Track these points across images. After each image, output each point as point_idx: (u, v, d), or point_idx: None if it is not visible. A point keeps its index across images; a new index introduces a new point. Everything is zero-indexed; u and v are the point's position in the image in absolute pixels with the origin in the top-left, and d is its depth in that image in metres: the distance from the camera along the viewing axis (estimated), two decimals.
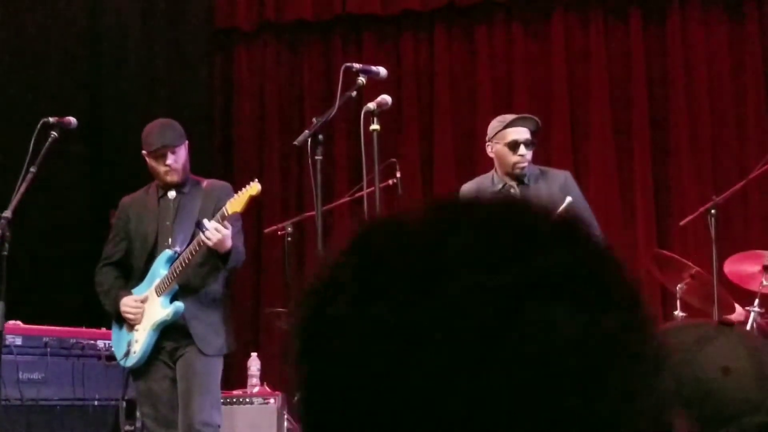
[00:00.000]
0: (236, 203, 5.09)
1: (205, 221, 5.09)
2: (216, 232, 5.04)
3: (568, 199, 5.28)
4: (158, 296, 5.24)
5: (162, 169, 5.33)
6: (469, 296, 0.79)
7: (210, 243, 5.07)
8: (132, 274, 5.43)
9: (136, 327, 5.30)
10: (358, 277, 0.84)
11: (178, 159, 5.33)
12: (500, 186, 5.42)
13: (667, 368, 0.86)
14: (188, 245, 5.21)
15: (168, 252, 5.28)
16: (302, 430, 0.88)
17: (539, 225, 0.85)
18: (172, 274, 5.20)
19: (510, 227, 0.84)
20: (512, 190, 5.41)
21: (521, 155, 5.33)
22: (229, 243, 5.12)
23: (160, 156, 5.31)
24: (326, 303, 0.84)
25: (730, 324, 1.53)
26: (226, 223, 5.10)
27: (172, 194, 5.40)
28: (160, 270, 5.28)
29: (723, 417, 1.37)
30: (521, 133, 5.36)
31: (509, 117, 5.47)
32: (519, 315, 0.78)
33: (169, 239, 5.32)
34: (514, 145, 5.34)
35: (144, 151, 5.37)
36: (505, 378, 0.78)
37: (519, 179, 5.42)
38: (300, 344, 0.86)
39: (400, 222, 0.87)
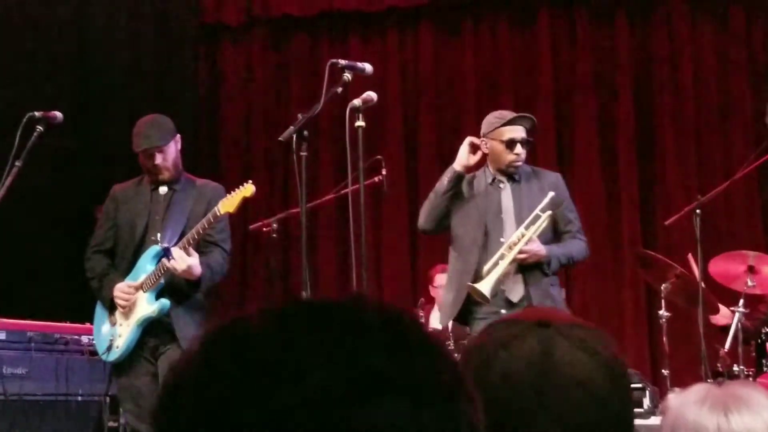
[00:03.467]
0: (229, 203, 5.04)
1: (173, 249, 5.06)
2: (182, 261, 5.03)
3: (551, 194, 5.27)
4: (144, 292, 5.22)
5: (151, 168, 5.33)
6: (305, 399, 0.84)
7: (177, 272, 5.05)
8: (117, 265, 5.41)
9: (120, 322, 5.27)
10: (200, 387, 0.88)
11: (167, 157, 5.32)
12: (491, 180, 5.40)
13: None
14: (177, 242, 5.18)
15: (156, 247, 5.25)
16: None
17: (367, 322, 0.90)
18: (159, 270, 5.17)
19: (340, 326, 0.89)
20: (501, 185, 5.39)
21: (517, 154, 5.30)
22: (197, 271, 5.11)
23: (149, 156, 5.30)
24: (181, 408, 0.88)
25: (546, 324, 1.45)
26: (191, 249, 5.06)
27: (163, 189, 5.38)
28: (146, 265, 5.25)
29: (501, 427, 1.32)
30: (519, 131, 5.32)
31: (508, 114, 5.41)
32: (350, 413, 0.83)
33: (158, 234, 5.29)
34: (510, 144, 5.30)
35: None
36: None
37: (510, 176, 5.40)
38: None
39: (243, 328, 0.91)
